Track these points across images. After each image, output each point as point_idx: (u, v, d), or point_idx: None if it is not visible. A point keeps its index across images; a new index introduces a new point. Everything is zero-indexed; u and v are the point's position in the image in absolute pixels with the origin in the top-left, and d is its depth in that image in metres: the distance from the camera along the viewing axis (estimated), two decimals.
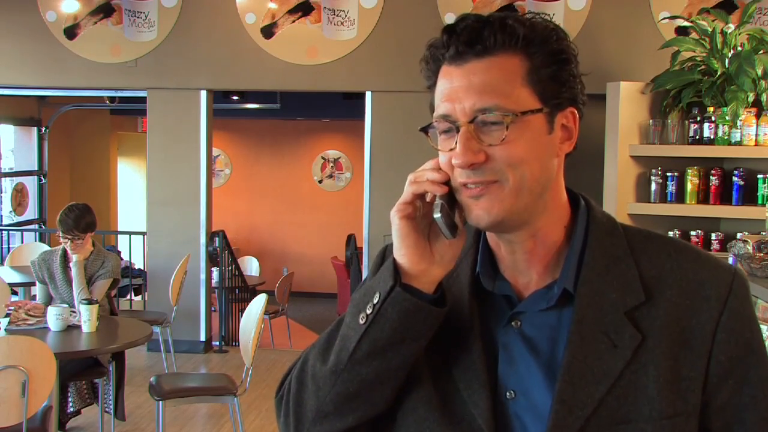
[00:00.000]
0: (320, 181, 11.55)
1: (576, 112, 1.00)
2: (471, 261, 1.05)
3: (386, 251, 1.12)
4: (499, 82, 0.94)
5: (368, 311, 0.97)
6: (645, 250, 1.01)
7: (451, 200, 0.98)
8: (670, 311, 0.97)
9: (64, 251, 4.34)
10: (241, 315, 4.51)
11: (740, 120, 4.34)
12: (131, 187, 11.11)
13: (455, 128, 0.95)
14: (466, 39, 0.95)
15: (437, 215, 0.96)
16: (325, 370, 1.00)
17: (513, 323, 1.01)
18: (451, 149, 0.96)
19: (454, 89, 0.96)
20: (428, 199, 0.98)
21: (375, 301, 0.97)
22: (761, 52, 4.46)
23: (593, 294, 0.98)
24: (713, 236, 4.53)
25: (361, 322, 0.97)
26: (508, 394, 1.00)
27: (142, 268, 7.21)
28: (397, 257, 0.98)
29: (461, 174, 0.96)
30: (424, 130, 1.01)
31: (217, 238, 6.67)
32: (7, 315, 4.14)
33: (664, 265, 1.00)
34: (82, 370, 4.19)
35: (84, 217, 4.24)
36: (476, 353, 1.00)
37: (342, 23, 6.25)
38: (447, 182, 0.98)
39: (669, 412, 0.95)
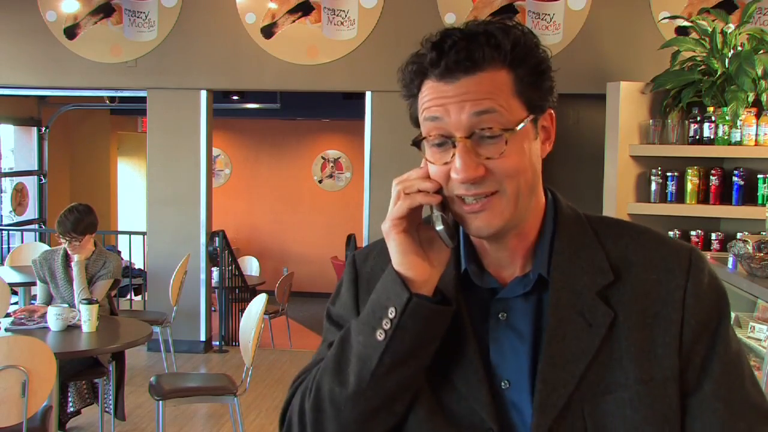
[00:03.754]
0: (320, 181, 11.55)
1: (553, 112, 1.06)
2: (453, 259, 1.07)
3: (355, 262, 1.18)
4: (493, 94, 0.97)
5: (385, 327, 0.99)
6: (609, 235, 1.08)
7: (443, 207, 1.01)
8: (637, 286, 1.04)
9: (66, 251, 4.33)
10: (241, 315, 4.51)
11: (740, 120, 4.34)
12: (131, 187, 11.11)
13: (451, 143, 0.98)
14: (456, 57, 0.97)
15: (440, 227, 0.99)
16: (347, 393, 1.02)
17: (500, 315, 1.05)
18: (446, 163, 0.99)
19: (447, 105, 0.98)
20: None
21: (391, 316, 0.99)
22: (761, 52, 4.46)
23: (566, 278, 1.04)
24: (713, 236, 4.54)
25: (380, 338, 0.99)
26: (503, 383, 1.04)
27: (142, 268, 7.21)
28: (401, 270, 1.00)
29: (459, 187, 0.99)
30: (417, 144, 1.03)
31: (217, 238, 6.67)
32: (8, 314, 4.14)
33: (628, 246, 1.07)
34: (82, 370, 4.19)
35: (83, 220, 4.23)
36: (471, 350, 1.04)
37: (342, 23, 6.25)
38: (438, 191, 1.01)
39: (644, 377, 1.00)
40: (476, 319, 1.06)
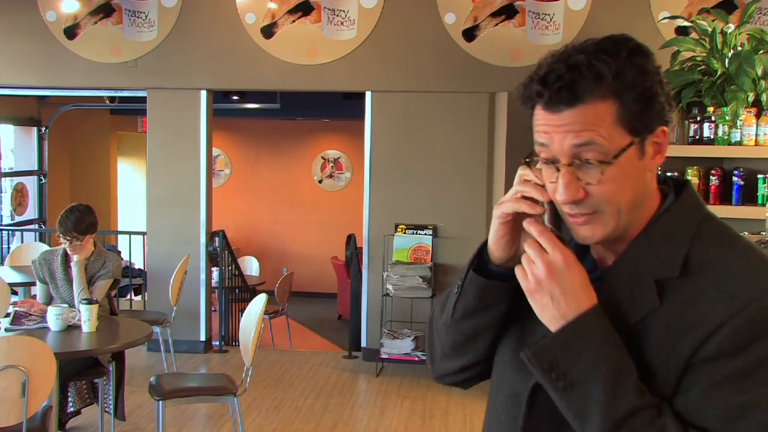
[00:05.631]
0: (320, 181, 11.55)
1: (666, 128, 1.11)
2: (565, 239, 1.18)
3: None
4: (593, 125, 1.04)
5: (459, 283, 1.21)
6: (707, 240, 1.10)
7: (555, 218, 1.12)
8: (694, 294, 1.05)
9: (65, 251, 4.33)
10: (241, 315, 4.51)
11: (740, 120, 4.34)
12: (131, 187, 11.11)
13: (555, 166, 1.08)
14: (558, 91, 1.05)
15: None
16: (441, 323, 1.27)
17: None
18: (552, 182, 1.09)
19: (552, 134, 1.07)
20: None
21: (462, 277, 1.21)
22: (761, 52, 4.46)
23: (635, 257, 1.11)
24: None
25: (455, 291, 1.22)
26: None
27: (142, 268, 7.21)
28: (490, 246, 1.19)
29: (563, 205, 1.09)
30: (529, 161, 1.13)
31: (217, 238, 6.67)
32: (7, 314, 4.14)
33: (715, 255, 1.08)
34: (82, 370, 4.19)
35: (84, 220, 4.24)
36: None
37: (342, 23, 6.25)
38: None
39: (652, 370, 1.05)
40: None
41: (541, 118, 1.08)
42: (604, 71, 1.03)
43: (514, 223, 1.14)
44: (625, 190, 1.07)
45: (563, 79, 1.04)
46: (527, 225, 1.11)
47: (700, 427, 1.01)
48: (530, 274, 1.08)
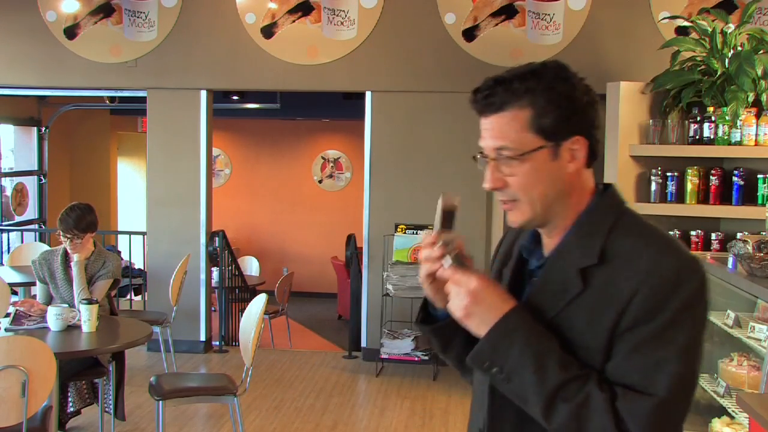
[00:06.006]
0: (320, 181, 11.55)
1: (582, 138, 1.33)
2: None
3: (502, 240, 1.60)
4: (507, 130, 1.31)
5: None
6: (622, 231, 1.31)
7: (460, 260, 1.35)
8: (610, 274, 1.27)
9: (65, 251, 4.33)
10: (241, 315, 4.51)
11: (740, 120, 4.34)
12: (131, 187, 11.10)
13: (486, 161, 1.35)
14: (484, 101, 1.33)
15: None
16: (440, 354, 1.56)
17: (534, 280, 1.40)
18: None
19: (484, 136, 1.35)
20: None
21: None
22: (761, 52, 4.46)
23: (563, 251, 1.34)
24: (713, 236, 4.54)
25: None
26: None
27: (142, 268, 7.21)
28: (430, 302, 1.46)
29: (494, 192, 1.36)
30: (476, 158, 1.39)
31: (217, 238, 6.67)
32: (7, 314, 4.14)
33: (626, 243, 1.29)
34: (82, 370, 4.19)
35: (85, 218, 4.24)
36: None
37: (342, 23, 6.25)
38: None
39: (584, 345, 1.27)
40: (525, 281, 1.43)
41: (481, 122, 1.35)
42: (518, 86, 1.29)
43: (437, 281, 1.38)
44: (537, 184, 1.31)
45: (490, 91, 1.31)
46: (441, 273, 1.35)
47: (624, 384, 1.22)
48: (458, 306, 1.31)
